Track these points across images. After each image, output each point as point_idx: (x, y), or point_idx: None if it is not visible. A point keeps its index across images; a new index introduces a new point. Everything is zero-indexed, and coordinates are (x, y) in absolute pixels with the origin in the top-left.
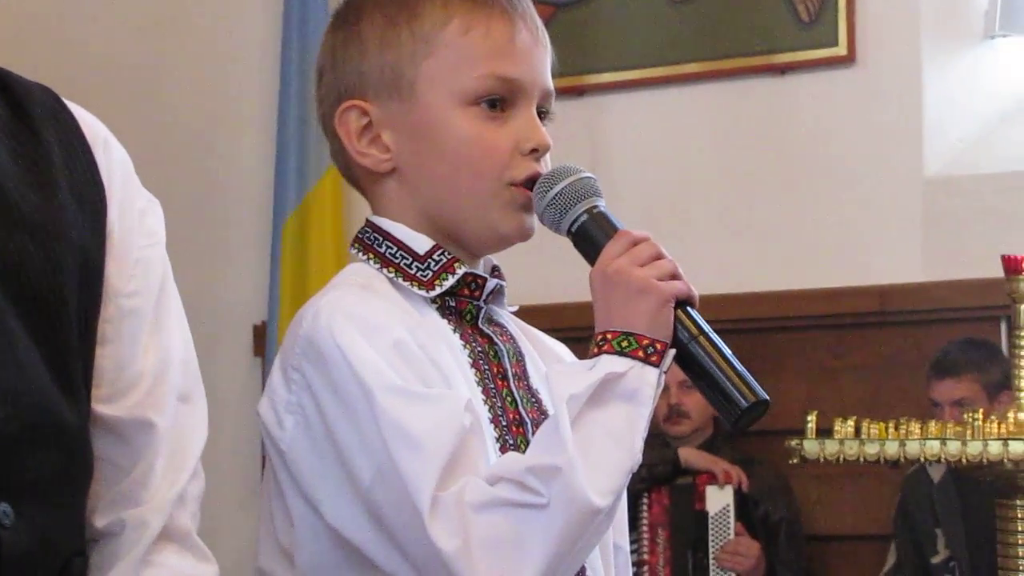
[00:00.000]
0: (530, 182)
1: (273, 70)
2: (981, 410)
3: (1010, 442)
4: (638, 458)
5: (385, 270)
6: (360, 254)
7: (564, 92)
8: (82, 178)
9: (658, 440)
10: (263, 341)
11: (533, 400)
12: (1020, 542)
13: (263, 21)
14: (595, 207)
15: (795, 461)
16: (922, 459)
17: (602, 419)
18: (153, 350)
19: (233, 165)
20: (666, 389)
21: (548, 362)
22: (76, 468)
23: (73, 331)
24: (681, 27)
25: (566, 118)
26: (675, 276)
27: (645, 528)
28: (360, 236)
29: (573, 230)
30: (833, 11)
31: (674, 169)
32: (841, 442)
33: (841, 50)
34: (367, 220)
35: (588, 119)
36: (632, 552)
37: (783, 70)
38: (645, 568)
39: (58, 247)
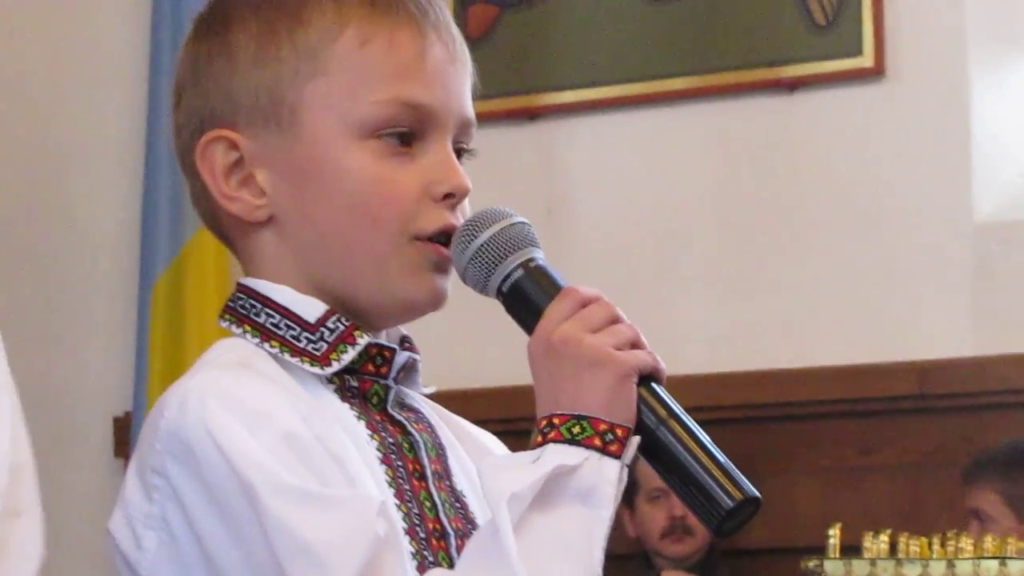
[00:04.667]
0: (443, 235)
1: (140, 95)
2: None
3: None
4: (598, 572)
5: (267, 344)
6: (233, 327)
7: (512, 115)
8: None
9: (639, 560)
10: (126, 437)
11: (457, 505)
12: None
13: (128, 40)
14: (532, 260)
15: None
16: None
17: (552, 525)
18: None
19: (91, 214)
20: (668, 496)
21: (475, 457)
22: None
23: None
24: (663, 32)
25: (516, 148)
26: (636, 344)
27: None
28: (231, 305)
29: (504, 290)
30: (856, 12)
31: (654, 212)
32: (873, 562)
33: (866, 61)
34: (239, 284)
35: (543, 149)
36: None
37: (793, 86)
38: None
39: None
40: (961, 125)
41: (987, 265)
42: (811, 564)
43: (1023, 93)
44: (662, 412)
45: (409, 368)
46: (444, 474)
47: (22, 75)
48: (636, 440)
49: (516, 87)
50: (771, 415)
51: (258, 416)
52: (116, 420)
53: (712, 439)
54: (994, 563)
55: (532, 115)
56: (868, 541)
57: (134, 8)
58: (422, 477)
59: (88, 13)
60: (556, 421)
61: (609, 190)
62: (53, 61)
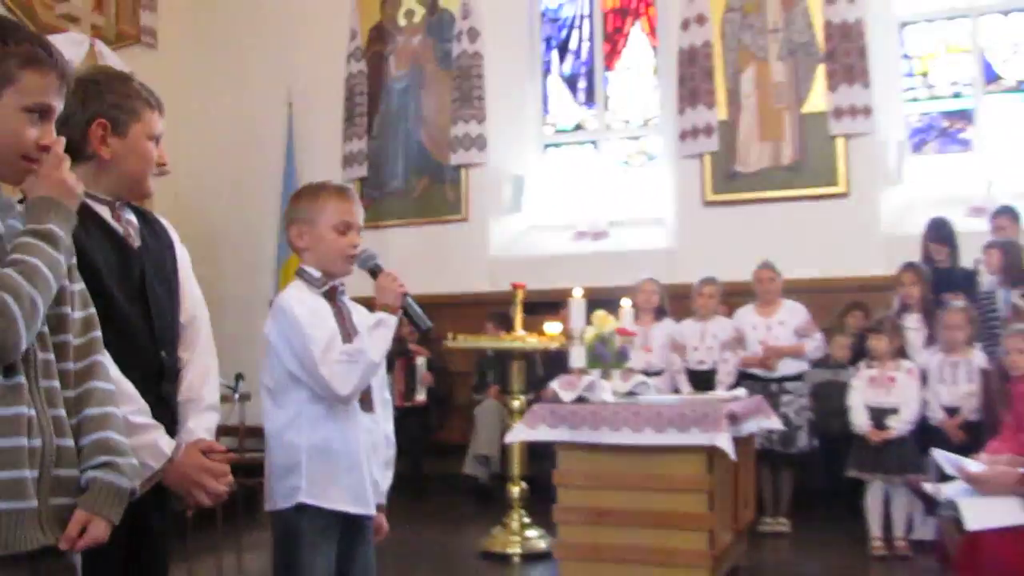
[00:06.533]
0: (355, 256)
1: (279, 191)
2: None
3: (528, 339)
4: (388, 345)
5: (305, 284)
6: (297, 279)
7: (368, 227)
8: (168, 250)
9: (400, 341)
10: (267, 306)
11: (355, 331)
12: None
13: (275, 170)
14: (375, 262)
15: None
16: (490, 347)
17: (376, 334)
18: (191, 297)
19: (264, 238)
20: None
21: (360, 316)
22: (178, 338)
23: (176, 300)
24: (417, 204)
25: (369, 240)
26: (402, 285)
27: (397, 370)
28: (298, 273)
29: (368, 269)
30: (459, 199)
31: (424, 256)
32: (466, 340)
33: (463, 216)
34: (299, 268)
35: (379, 241)
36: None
37: (451, 223)
38: (395, 390)
39: (172, 279)
40: (485, 235)
41: (494, 270)
42: (450, 336)
43: (509, 223)
44: (407, 301)
45: (342, 292)
46: (349, 318)
47: (262, 176)
48: (401, 312)
49: (372, 219)
50: (459, 304)
51: (300, 302)
52: (269, 302)
53: (423, 311)
54: (508, 343)
55: (376, 227)
56: (462, 336)
57: (278, 161)
58: (343, 323)
59: (267, 151)
60: (380, 306)
61: (399, 253)
62: (253, 173)
